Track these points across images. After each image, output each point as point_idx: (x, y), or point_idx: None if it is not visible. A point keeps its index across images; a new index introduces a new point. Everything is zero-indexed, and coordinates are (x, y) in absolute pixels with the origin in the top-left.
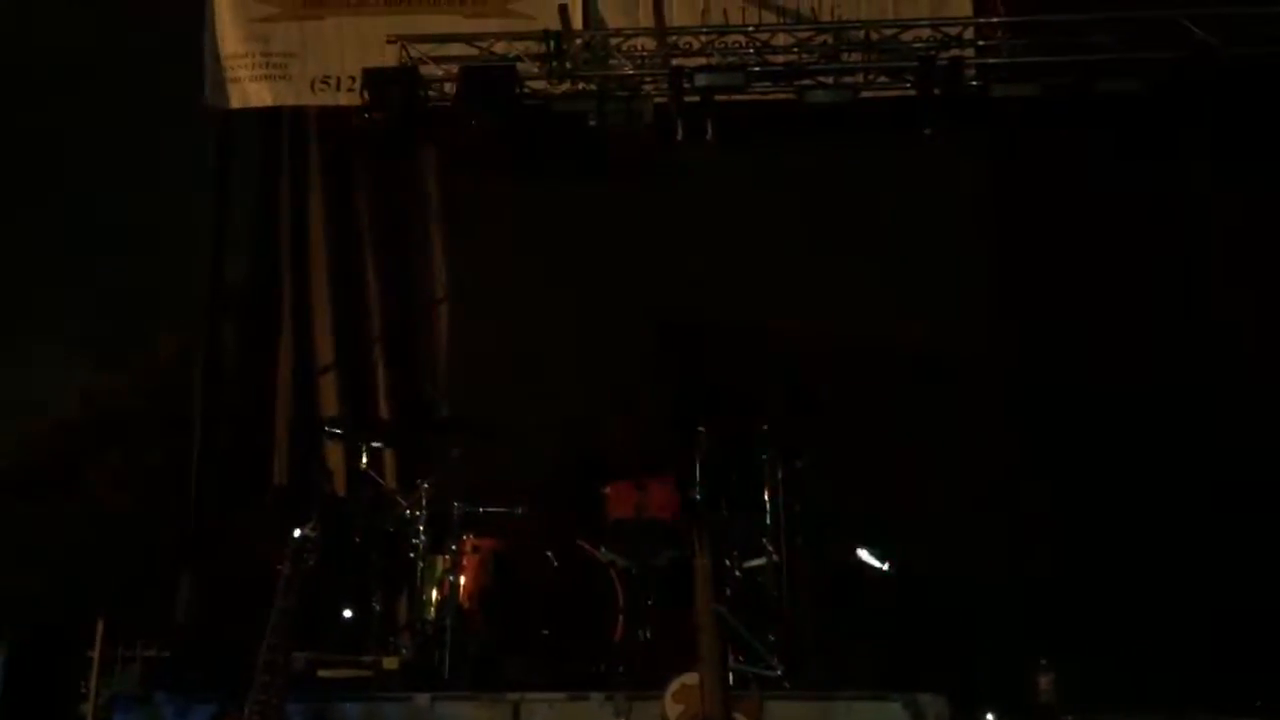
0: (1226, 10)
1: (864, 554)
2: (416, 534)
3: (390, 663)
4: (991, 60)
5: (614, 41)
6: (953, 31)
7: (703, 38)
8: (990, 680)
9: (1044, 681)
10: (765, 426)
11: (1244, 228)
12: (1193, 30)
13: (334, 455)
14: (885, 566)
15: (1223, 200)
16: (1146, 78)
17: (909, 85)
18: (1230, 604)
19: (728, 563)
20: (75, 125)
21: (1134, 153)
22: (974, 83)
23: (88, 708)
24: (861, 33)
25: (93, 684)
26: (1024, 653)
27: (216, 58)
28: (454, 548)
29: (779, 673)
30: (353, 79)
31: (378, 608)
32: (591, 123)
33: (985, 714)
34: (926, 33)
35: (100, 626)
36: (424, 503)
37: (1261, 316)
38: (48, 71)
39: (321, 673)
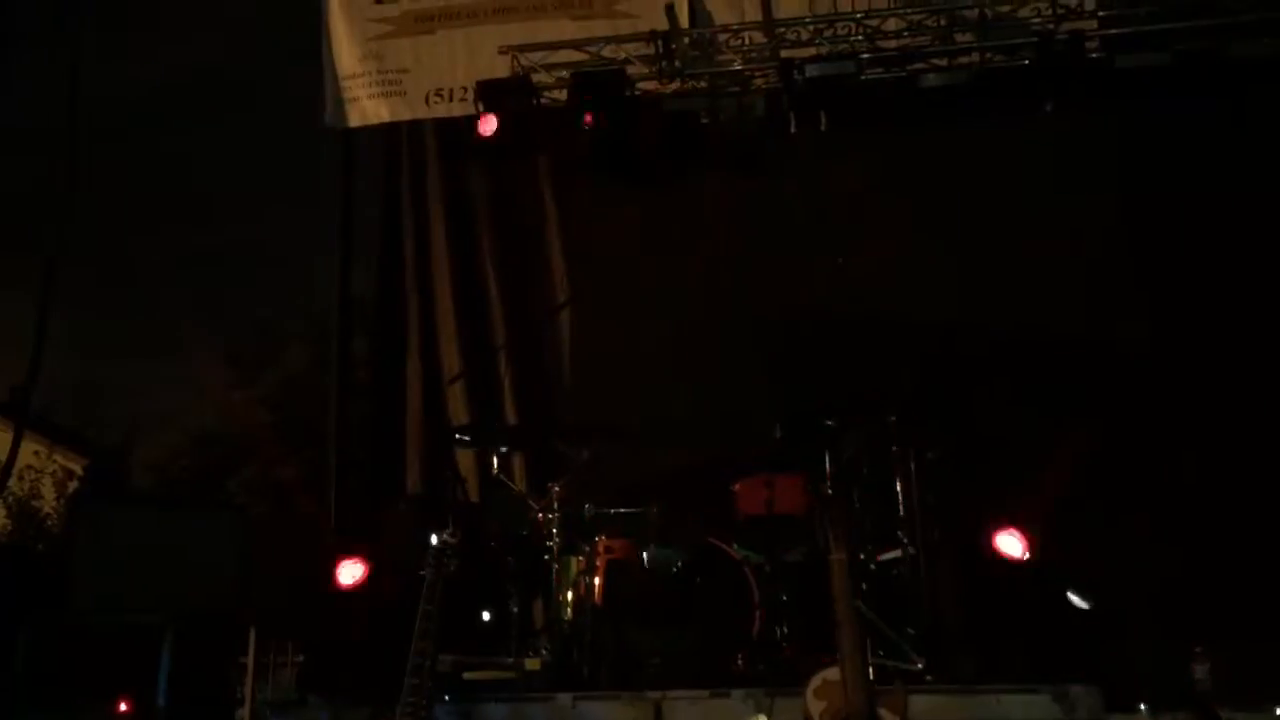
0: None
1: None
2: (550, 536)
3: (532, 664)
4: (1115, 31)
5: (721, 37)
6: (1071, 3)
7: (811, 28)
8: (1144, 670)
9: (1199, 670)
10: (894, 418)
11: None
12: None
13: (465, 462)
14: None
15: None
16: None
17: (1026, 62)
18: None
19: (862, 556)
20: (207, 151)
21: (1270, 120)
22: (1096, 54)
23: (244, 712)
24: (975, 11)
25: (248, 688)
26: (1178, 641)
27: (335, 78)
28: (587, 549)
29: (920, 667)
30: (465, 89)
31: (515, 610)
32: (704, 120)
33: (1139, 705)
34: (1044, 6)
35: (253, 633)
36: (556, 505)
37: None
38: (183, 96)
39: (467, 674)
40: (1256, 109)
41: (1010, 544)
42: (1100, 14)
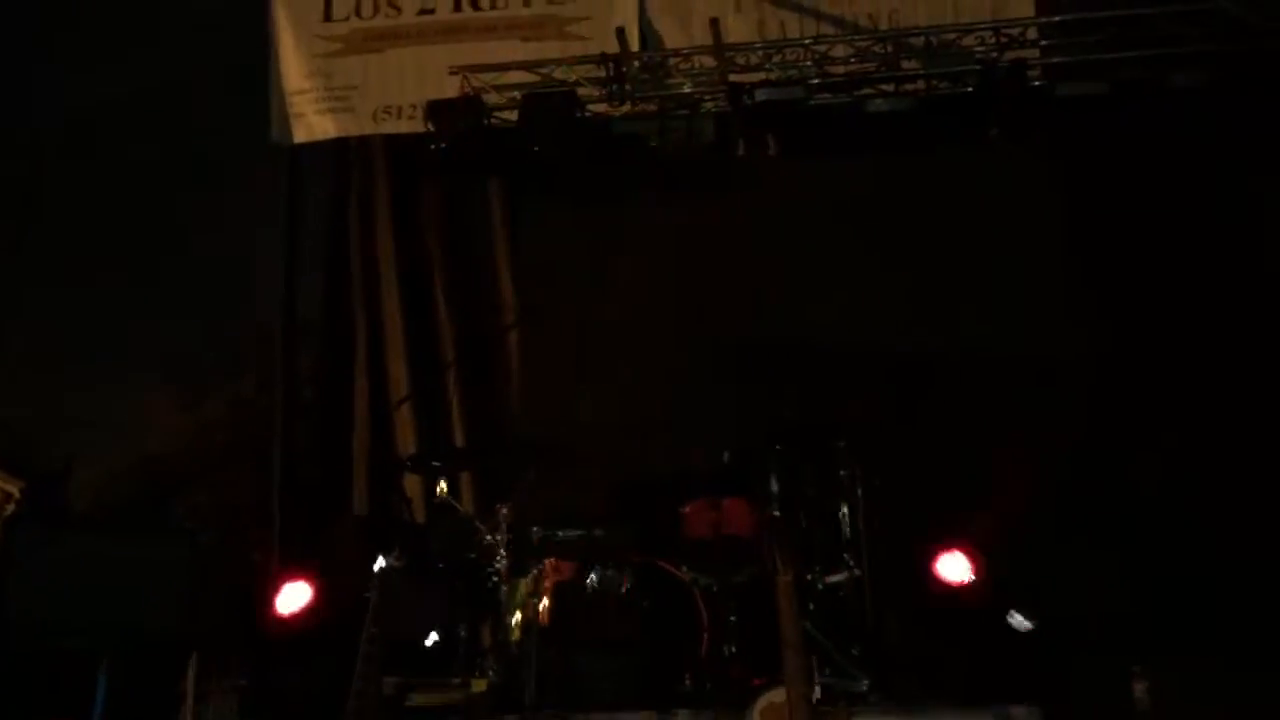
0: None
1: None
2: (498, 559)
3: (479, 685)
4: (1057, 59)
5: (672, 61)
6: (1014, 32)
7: (760, 53)
8: (1084, 690)
9: (1139, 688)
10: (842, 442)
11: None
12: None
13: (413, 484)
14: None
15: None
16: (1220, 69)
17: (970, 90)
18: None
19: (809, 578)
20: (147, 168)
21: (1207, 146)
22: (1038, 83)
23: None
24: (921, 39)
25: (187, 715)
26: (1118, 660)
27: (281, 94)
28: (535, 571)
29: (865, 687)
30: (414, 107)
31: (463, 633)
32: (653, 143)
33: None
34: (988, 35)
35: (194, 658)
36: (503, 527)
37: None
38: (123, 116)
39: (412, 698)
40: (1193, 135)
41: (954, 567)
42: (1042, 43)
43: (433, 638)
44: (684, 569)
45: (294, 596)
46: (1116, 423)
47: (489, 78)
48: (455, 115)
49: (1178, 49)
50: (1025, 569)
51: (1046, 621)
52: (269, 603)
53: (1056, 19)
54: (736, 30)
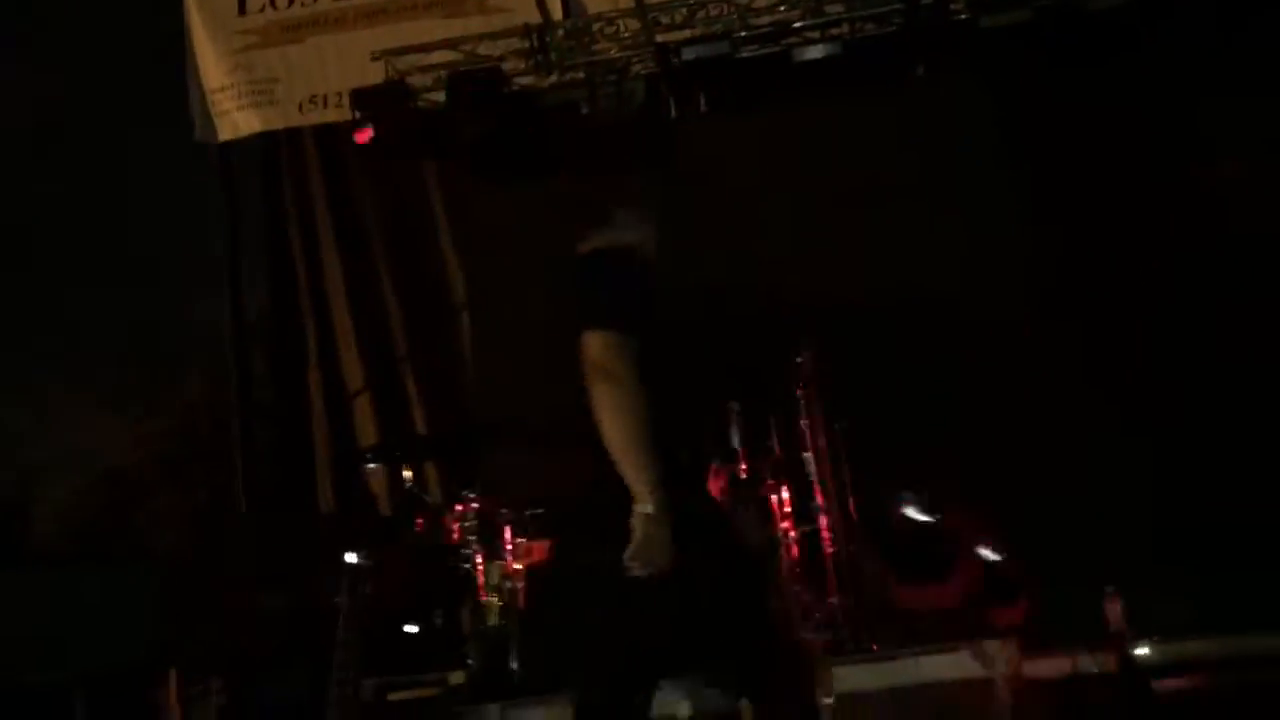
0: None
1: (909, 509)
2: (469, 545)
3: (456, 677)
4: None
5: (596, 26)
6: None
7: (684, 10)
8: (1058, 614)
9: (1112, 609)
10: (800, 394)
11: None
12: None
13: (377, 477)
14: (932, 518)
15: (1226, 113)
16: None
17: (895, 29)
18: None
19: (779, 534)
20: (79, 180)
21: (1137, 66)
22: (962, 16)
23: None
24: None
25: None
26: (1090, 584)
27: (202, 93)
28: (508, 554)
29: (845, 636)
30: (340, 95)
31: (440, 622)
32: (585, 110)
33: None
34: None
35: (173, 675)
36: (473, 513)
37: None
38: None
39: (391, 696)
40: (1117, 61)
41: (916, 510)
42: None
43: (412, 630)
44: None
45: (266, 603)
46: (1067, 353)
47: (413, 60)
48: (381, 102)
49: None
50: (991, 502)
51: (1014, 553)
52: (243, 612)
53: None
54: None
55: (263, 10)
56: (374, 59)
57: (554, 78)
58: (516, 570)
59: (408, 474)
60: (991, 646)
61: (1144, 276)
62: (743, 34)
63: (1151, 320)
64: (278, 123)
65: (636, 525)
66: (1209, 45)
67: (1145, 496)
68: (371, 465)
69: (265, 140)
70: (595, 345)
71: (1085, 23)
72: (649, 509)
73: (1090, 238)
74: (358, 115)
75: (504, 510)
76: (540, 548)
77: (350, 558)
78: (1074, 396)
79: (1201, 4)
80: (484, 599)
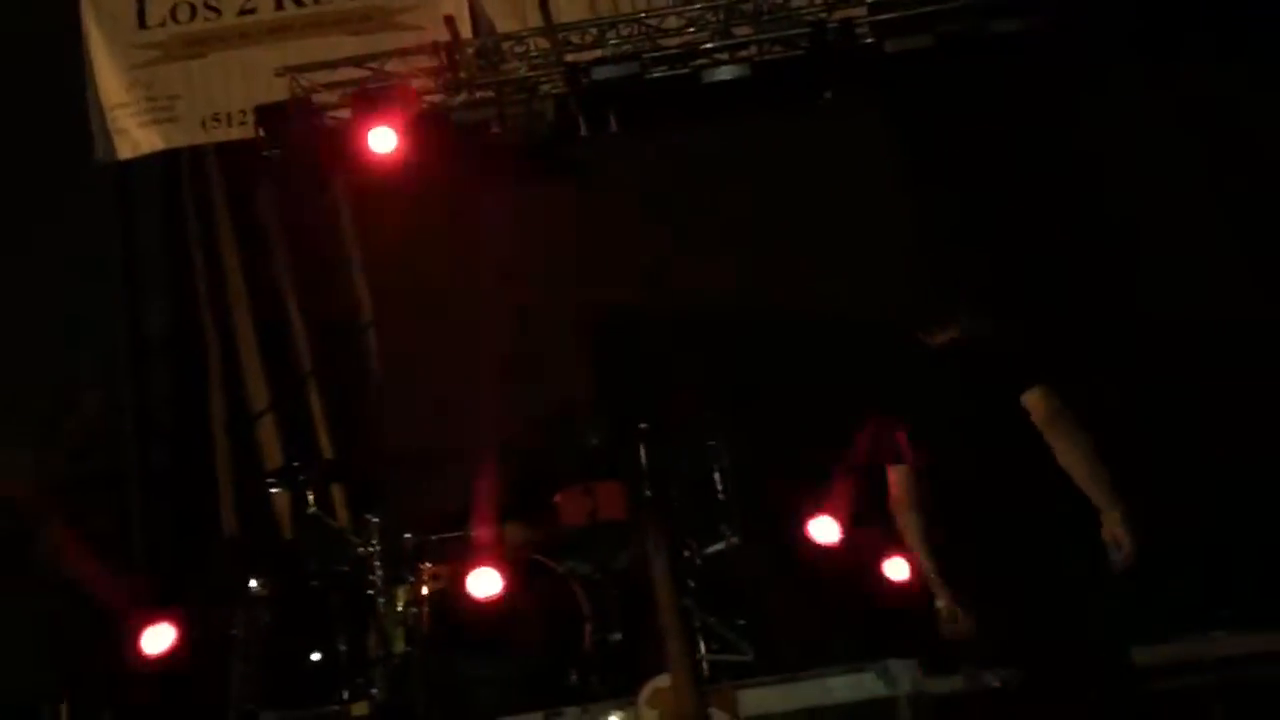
0: None
1: (816, 528)
2: (373, 569)
3: (359, 708)
4: (883, 16)
5: (506, 45)
6: None
7: (594, 31)
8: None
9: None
10: (708, 411)
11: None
12: None
13: (280, 500)
14: (836, 539)
15: (1116, 127)
16: (1035, 15)
17: (803, 52)
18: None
19: (688, 553)
20: None
21: (1032, 89)
22: (868, 40)
23: None
24: (751, 5)
25: None
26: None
27: (101, 110)
28: (411, 579)
29: (750, 658)
30: (244, 113)
31: (343, 648)
32: (495, 129)
33: (961, 668)
34: None
35: (64, 710)
36: (376, 537)
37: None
38: None
39: None
40: (1015, 82)
41: (824, 529)
42: (868, 1)
43: (315, 657)
44: (561, 560)
45: (157, 638)
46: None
47: (319, 76)
48: (286, 119)
49: None
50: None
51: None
52: (133, 643)
53: None
54: (569, 10)
55: (163, 24)
56: (278, 75)
57: (463, 96)
58: (422, 596)
59: (312, 497)
60: (895, 665)
61: (1040, 293)
62: (652, 55)
63: (1047, 339)
64: (180, 141)
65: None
66: (1099, 68)
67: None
68: (275, 489)
69: (167, 157)
70: (1051, 398)
71: (985, 47)
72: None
73: (991, 256)
74: (262, 132)
75: (408, 535)
76: (445, 571)
77: (251, 584)
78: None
79: (1091, 30)
80: (387, 625)
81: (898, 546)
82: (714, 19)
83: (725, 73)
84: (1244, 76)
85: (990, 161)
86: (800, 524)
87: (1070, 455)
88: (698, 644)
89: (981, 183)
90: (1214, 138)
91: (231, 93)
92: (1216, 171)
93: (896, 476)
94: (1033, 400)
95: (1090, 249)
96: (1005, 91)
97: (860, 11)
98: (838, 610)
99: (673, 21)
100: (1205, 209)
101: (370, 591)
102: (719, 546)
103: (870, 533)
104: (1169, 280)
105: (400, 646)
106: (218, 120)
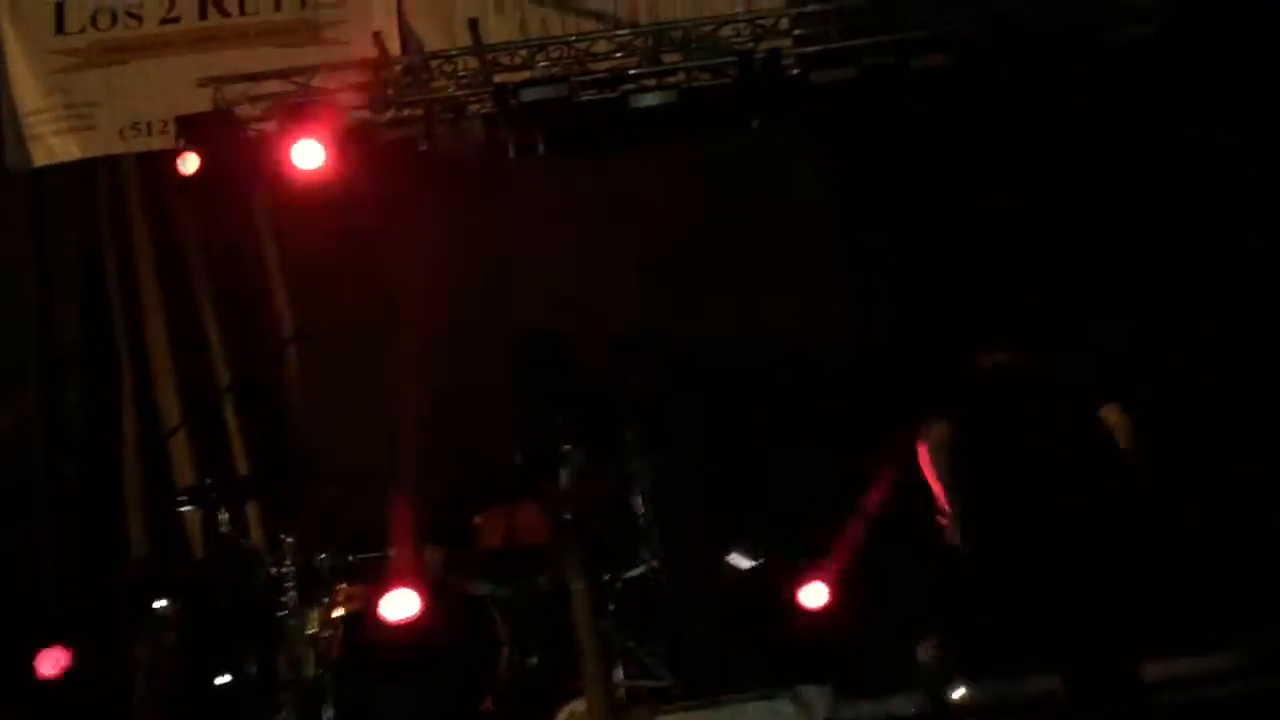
0: None
1: (734, 556)
2: (285, 591)
3: None
4: (808, 49)
5: (434, 64)
6: (767, 23)
7: (524, 52)
8: (875, 658)
9: (925, 650)
10: (630, 435)
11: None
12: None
13: (192, 518)
14: (755, 563)
15: (1030, 157)
16: (956, 51)
17: (730, 80)
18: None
19: (607, 577)
20: None
21: (951, 122)
22: (794, 71)
23: None
24: (680, 32)
25: None
26: (906, 626)
27: (15, 116)
28: (325, 601)
29: (667, 683)
30: (165, 122)
31: (253, 671)
32: (422, 148)
33: (873, 693)
34: (743, 26)
35: None
36: (290, 557)
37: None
38: None
39: None
40: (935, 115)
41: (741, 558)
42: (795, 32)
43: (224, 680)
44: (479, 583)
45: (51, 662)
46: (881, 400)
47: (242, 88)
48: (207, 130)
49: (911, 35)
50: (812, 547)
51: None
52: (31, 667)
53: (806, 9)
54: (499, 30)
55: (83, 30)
56: (201, 85)
57: (390, 113)
58: (336, 618)
59: (224, 516)
60: (809, 692)
61: (962, 318)
62: (581, 78)
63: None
64: (98, 149)
65: None
66: (1015, 102)
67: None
68: (186, 507)
69: (83, 165)
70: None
71: (907, 81)
72: None
73: (912, 281)
74: (182, 143)
75: (323, 555)
76: (360, 593)
77: (158, 605)
78: (895, 441)
79: (1008, 67)
80: (299, 648)
81: (815, 573)
82: (643, 45)
83: (653, 98)
84: (1157, 110)
85: (910, 191)
86: (720, 550)
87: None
88: (615, 669)
89: (901, 212)
90: (1127, 169)
91: (153, 102)
92: (1129, 202)
93: (937, 430)
94: (1114, 415)
95: (1006, 277)
96: (925, 124)
97: (787, 43)
98: (754, 636)
99: (602, 46)
100: (1117, 237)
101: (282, 613)
102: (638, 571)
103: (789, 561)
104: (1082, 307)
105: (311, 669)
106: (137, 130)
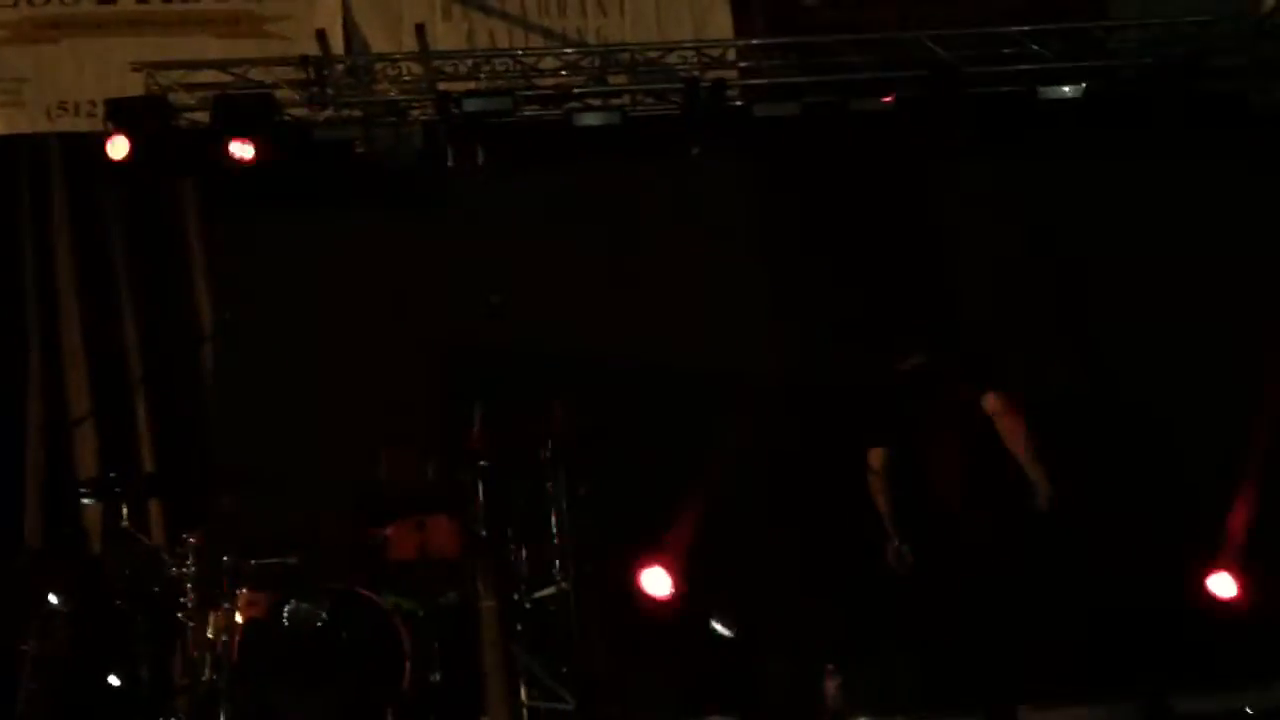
0: (966, 32)
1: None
2: (185, 592)
3: None
4: (753, 81)
5: (378, 66)
6: (714, 53)
7: (469, 62)
8: (779, 691)
9: (831, 686)
10: (548, 454)
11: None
12: (935, 50)
13: (92, 512)
14: (667, 592)
15: (960, 204)
16: (896, 95)
17: (675, 106)
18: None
19: (517, 596)
20: None
21: (886, 162)
22: (737, 103)
23: None
24: (627, 55)
25: None
26: (811, 661)
27: None
28: (226, 604)
29: (571, 706)
30: (94, 104)
31: (146, 674)
32: (359, 150)
33: None
34: (690, 54)
35: None
36: (192, 558)
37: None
38: None
39: None
40: (871, 155)
41: (655, 581)
42: (741, 64)
43: (114, 681)
44: (385, 595)
45: None
46: (802, 431)
47: (177, 75)
48: (138, 115)
49: (854, 76)
50: (720, 577)
51: (743, 628)
52: None
53: (753, 41)
54: (445, 38)
55: (15, 4)
56: (134, 70)
57: (329, 113)
58: (236, 623)
59: (126, 511)
60: None
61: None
62: (526, 92)
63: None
64: (23, 126)
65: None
66: (948, 146)
67: (874, 575)
68: (86, 500)
69: (3, 142)
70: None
71: (846, 120)
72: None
73: (844, 315)
74: (110, 126)
75: (226, 558)
76: (262, 599)
77: (51, 599)
78: (817, 469)
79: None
80: (196, 651)
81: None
82: (589, 64)
83: (596, 118)
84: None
85: (840, 227)
86: (633, 573)
87: (1014, 439)
88: (519, 689)
89: (832, 246)
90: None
91: (83, 82)
92: (1058, 242)
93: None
94: (990, 400)
95: (934, 315)
96: (861, 163)
97: (733, 74)
98: (663, 663)
99: (549, 62)
100: (1041, 278)
101: (180, 615)
102: (549, 591)
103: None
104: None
105: (207, 674)
106: (64, 109)
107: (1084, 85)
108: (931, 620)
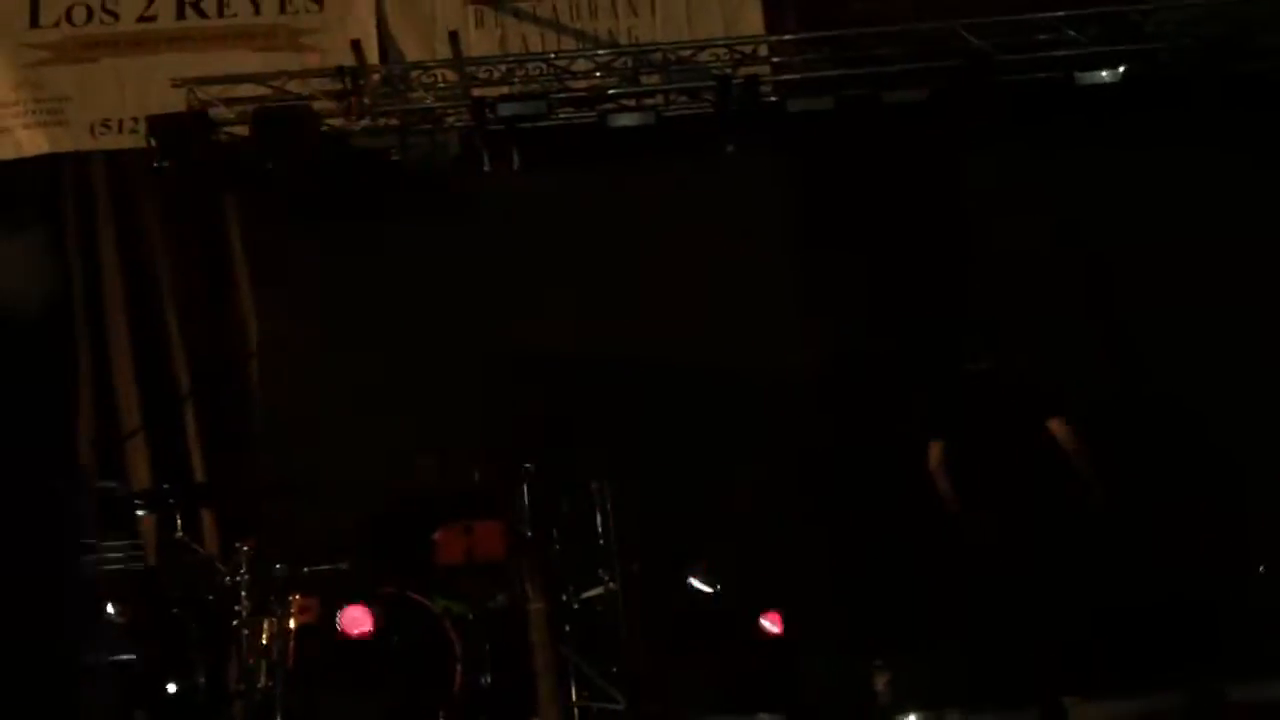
0: (999, 19)
1: (694, 579)
2: (239, 600)
3: None
4: (786, 76)
5: (413, 74)
6: (746, 50)
7: (503, 67)
8: (829, 688)
9: (880, 682)
10: (593, 454)
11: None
12: (969, 39)
13: (147, 523)
14: (715, 589)
15: (995, 196)
16: (930, 86)
17: (709, 104)
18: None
19: (564, 597)
20: None
21: (921, 155)
22: (771, 99)
23: None
24: (659, 54)
25: None
26: (861, 658)
27: None
28: (279, 611)
29: (621, 706)
30: (135, 121)
31: (202, 681)
32: (395, 158)
33: None
34: (722, 52)
35: None
36: (245, 566)
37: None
38: None
39: None
40: (906, 149)
41: (698, 578)
42: (773, 60)
43: (171, 688)
44: (435, 599)
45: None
46: (838, 429)
47: (217, 90)
48: (180, 131)
49: (886, 69)
50: (767, 574)
51: (792, 625)
52: None
53: (785, 37)
54: (478, 44)
55: (57, 24)
56: (175, 86)
57: (366, 122)
58: (289, 629)
59: (179, 522)
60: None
61: (925, 349)
62: (559, 95)
63: (933, 394)
64: (67, 145)
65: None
66: (983, 139)
67: (919, 570)
68: (141, 512)
69: (49, 161)
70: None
71: (880, 114)
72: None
73: (878, 311)
74: (153, 143)
75: (279, 565)
76: (314, 605)
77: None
78: (854, 468)
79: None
80: (251, 658)
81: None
82: (622, 65)
83: (630, 119)
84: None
85: (874, 221)
86: (680, 573)
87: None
88: (569, 690)
89: (868, 241)
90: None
91: (125, 100)
92: (1096, 231)
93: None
94: (1055, 425)
95: (969, 311)
96: (896, 156)
97: (765, 70)
98: (711, 662)
99: (582, 64)
100: (1079, 268)
101: (234, 622)
102: (597, 591)
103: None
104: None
105: (263, 681)
106: (107, 127)
107: (1121, 69)
108: (978, 615)
